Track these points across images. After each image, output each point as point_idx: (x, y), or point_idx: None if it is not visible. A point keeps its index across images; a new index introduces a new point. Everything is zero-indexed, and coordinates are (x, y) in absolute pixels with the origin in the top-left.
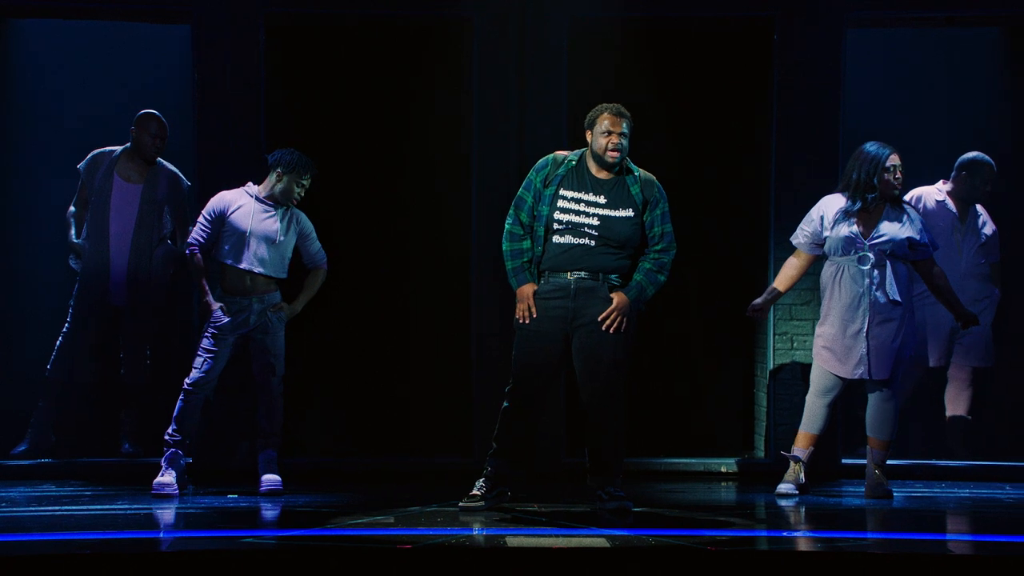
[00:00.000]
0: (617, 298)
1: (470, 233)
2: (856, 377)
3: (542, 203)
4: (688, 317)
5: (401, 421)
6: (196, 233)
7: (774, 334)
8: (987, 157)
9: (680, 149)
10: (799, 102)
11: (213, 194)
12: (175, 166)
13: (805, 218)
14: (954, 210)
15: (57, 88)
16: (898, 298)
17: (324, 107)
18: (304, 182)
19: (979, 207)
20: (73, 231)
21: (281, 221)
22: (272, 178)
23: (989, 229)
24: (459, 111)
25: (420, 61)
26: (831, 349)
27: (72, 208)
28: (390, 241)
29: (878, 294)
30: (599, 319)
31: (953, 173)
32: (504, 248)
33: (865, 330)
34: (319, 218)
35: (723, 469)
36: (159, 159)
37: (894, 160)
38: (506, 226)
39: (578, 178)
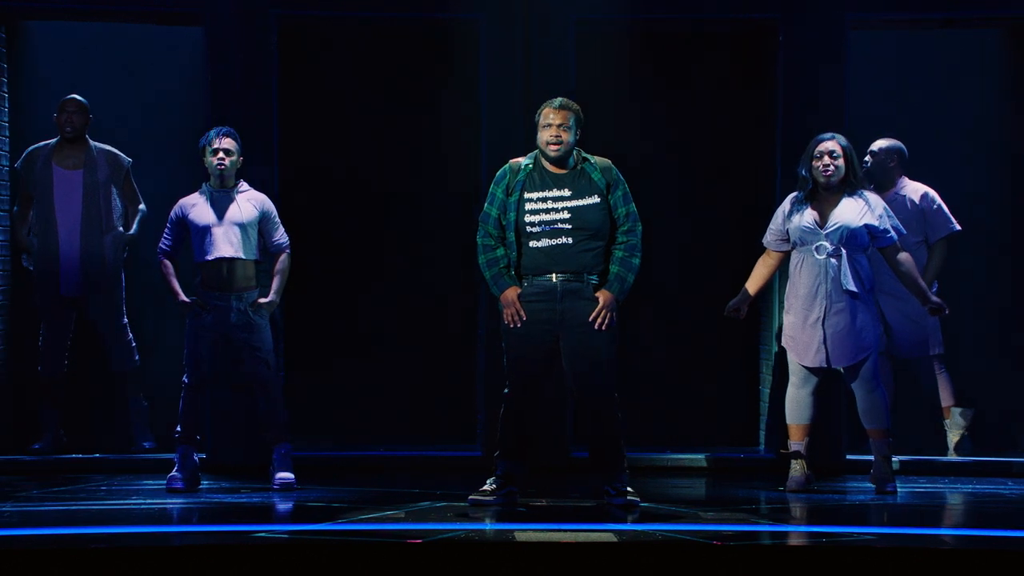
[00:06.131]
0: (602, 296)
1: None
2: (816, 365)
3: (509, 211)
4: (693, 314)
5: (410, 413)
6: (161, 241)
7: (778, 330)
8: (882, 142)
9: (685, 149)
10: (803, 103)
11: None
12: (189, 171)
13: (772, 218)
14: None
15: (71, 91)
16: (853, 288)
17: (335, 107)
18: (216, 146)
19: (904, 188)
20: (24, 229)
21: (239, 202)
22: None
23: (911, 204)
24: (468, 111)
25: (430, 62)
26: (794, 337)
27: (15, 208)
28: (399, 235)
29: (833, 284)
30: (589, 319)
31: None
32: (480, 262)
33: (822, 319)
34: (330, 212)
35: (728, 464)
36: (93, 141)
37: (825, 147)
38: (478, 241)
39: (539, 178)
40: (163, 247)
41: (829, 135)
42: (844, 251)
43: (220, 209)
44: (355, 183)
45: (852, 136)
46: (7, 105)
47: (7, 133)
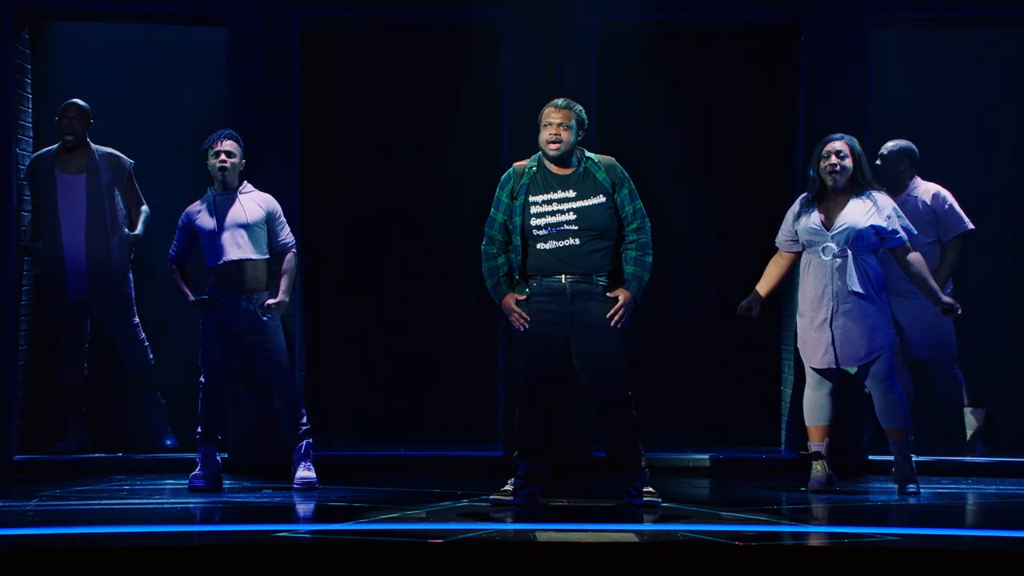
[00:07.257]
0: (622, 296)
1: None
2: (824, 367)
3: (515, 215)
4: (715, 314)
5: (431, 413)
6: (171, 248)
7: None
8: (891, 143)
9: (706, 148)
10: (826, 103)
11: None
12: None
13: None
14: None
15: (95, 93)
16: (859, 289)
17: (358, 108)
18: (218, 149)
19: (916, 189)
20: (28, 236)
21: (244, 203)
22: None
23: (922, 205)
24: (491, 110)
25: (452, 62)
26: (803, 339)
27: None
28: (421, 235)
29: (840, 285)
30: (607, 317)
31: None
32: (482, 269)
33: (829, 320)
34: (351, 212)
35: (749, 465)
36: (94, 145)
37: (832, 147)
38: (481, 247)
39: (542, 180)
40: (172, 253)
41: (838, 135)
42: (850, 252)
43: (225, 212)
44: (376, 183)
45: (874, 136)
46: (31, 106)
47: (31, 134)
